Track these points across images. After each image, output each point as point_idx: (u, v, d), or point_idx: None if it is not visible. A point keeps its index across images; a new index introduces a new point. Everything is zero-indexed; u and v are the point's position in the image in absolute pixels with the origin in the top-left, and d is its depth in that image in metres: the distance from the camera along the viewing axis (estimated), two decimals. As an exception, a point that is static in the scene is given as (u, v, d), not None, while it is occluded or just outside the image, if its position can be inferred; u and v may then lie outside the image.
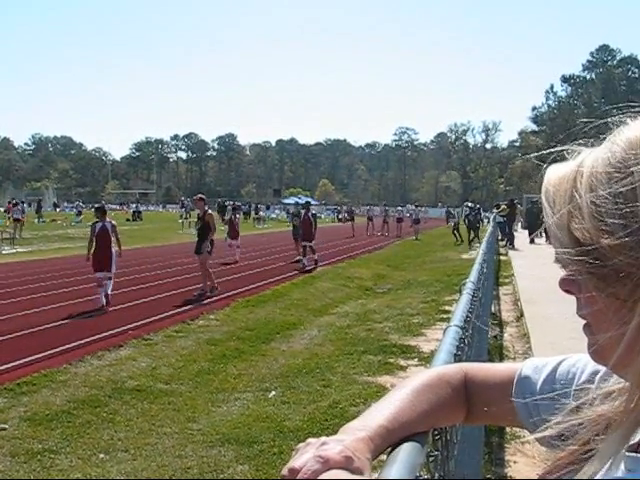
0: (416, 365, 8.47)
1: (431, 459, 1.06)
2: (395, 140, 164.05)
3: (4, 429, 6.12)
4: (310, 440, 0.91)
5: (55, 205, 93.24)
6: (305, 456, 0.87)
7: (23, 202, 44.43)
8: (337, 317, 12.10)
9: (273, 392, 7.33)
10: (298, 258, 21.32)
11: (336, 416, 6.36)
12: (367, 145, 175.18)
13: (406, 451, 0.95)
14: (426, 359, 8.71)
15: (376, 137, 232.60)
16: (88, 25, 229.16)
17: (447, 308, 12.56)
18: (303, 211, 22.15)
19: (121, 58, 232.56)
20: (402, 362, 8.63)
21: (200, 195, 15.42)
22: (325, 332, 10.73)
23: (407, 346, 9.52)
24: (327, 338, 10.26)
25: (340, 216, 62.43)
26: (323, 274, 18.61)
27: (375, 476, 0.89)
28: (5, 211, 40.46)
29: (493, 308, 11.10)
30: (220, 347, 9.49)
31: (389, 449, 0.96)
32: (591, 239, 0.74)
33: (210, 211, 15.01)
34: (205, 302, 13.44)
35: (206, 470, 5.15)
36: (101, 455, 5.51)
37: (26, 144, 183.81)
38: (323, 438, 0.90)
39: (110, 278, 13.09)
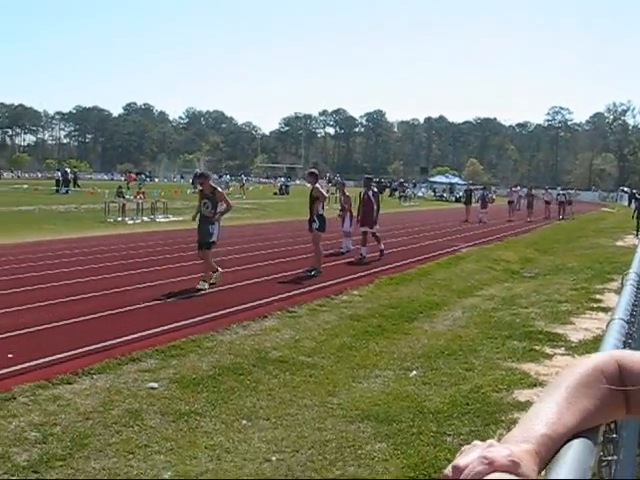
0: (563, 354, 8.14)
1: (603, 463, 0.99)
2: (548, 120, 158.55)
3: (154, 388, 6.41)
4: (476, 442, 0.87)
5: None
6: (470, 456, 0.83)
7: (143, 173, 46.56)
8: (482, 300, 11.84)
9: (414, 372, 7.27)
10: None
11: (477, 401, 6.22)
12: (518, 125, 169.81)
13: (576, 450, 0.89)
14: (574, 349, 8.37)
15: (527, 116, 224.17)
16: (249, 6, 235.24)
17: (598, 297, 12.01)
18: (363, 189, 17.77)
19: (271, 35, 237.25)
20: (548, 350, 8.32)
21: (311, 170, 15.25)
22: (469, 314, 10.52)
23: (554, 334, 9.17)
24: (471, 320, 10.06)
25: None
26: (468, 255, 18.29)
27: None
28: (126, 181, 42.51)
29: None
30: (363, 323, 9.52)
31: None
32: None
33: (318, 185, 14.46)
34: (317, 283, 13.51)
35: (344, 445, 5.17)
36: (243, 421, 5.66)
37: (180, 118, 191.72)
38: (490, 441, 0.85)
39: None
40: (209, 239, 12.15)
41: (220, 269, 12.41)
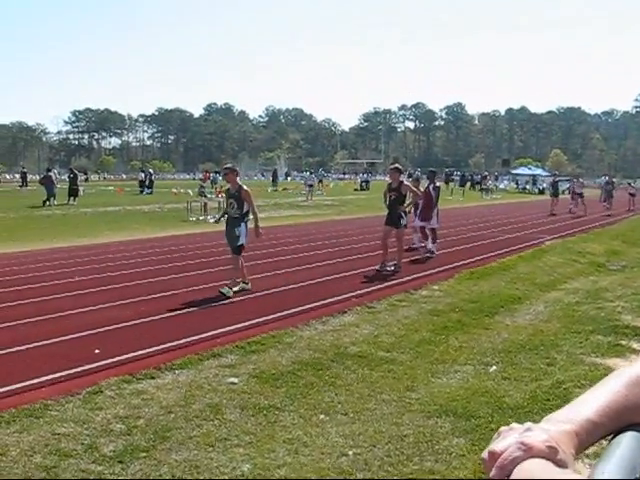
0: (651, 349, 7.88)
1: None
2: (636, 106, 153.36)
3: (234, 383, 6.52)
4: (514, 425, 0.85)
5: (286, 174, 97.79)
6: (507, 440, 0.81)
7: (218, 172, 47.06)
8: (565, 293, 11.56)
9: (494, 367, 7.16)
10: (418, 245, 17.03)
11: (559, 397, 6.08)
12: (604, 113, 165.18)
13: (627, 445, 0.85)
14: (663, 343, 8.09)
15: (614, 104, 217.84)
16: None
17: (690, 291, 11.56)
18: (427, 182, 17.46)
19: (350, 32, 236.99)
20: (635, 345, 8.06)
21: (396, 165, 14.55)
22: (552, 308, 10.29)
23: (642, 328, 8.88)
24: (553, 315, 9.84)
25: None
26: (552, 248, 17.88)
27: (586, 472, 0.81)
28: (201, 180, 43.16)
29: None
30: (442, 318, 9.43)
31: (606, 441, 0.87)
32: None
33: (405, 181, 14.06)
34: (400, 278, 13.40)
35: (421, 440, 5.15)
36: (321, 416, 5.70)
37: (260, 116, 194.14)
38: (528, 424, 0.84)
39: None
40: (236, 243, 11.04)
41: (247, 282, 11.34)
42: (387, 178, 16.10)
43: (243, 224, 11.09)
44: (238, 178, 11.55)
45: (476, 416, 5.64)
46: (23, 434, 5.24)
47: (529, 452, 0.78)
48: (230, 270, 11.20)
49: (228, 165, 11.93)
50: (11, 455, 4.87)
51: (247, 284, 11.30)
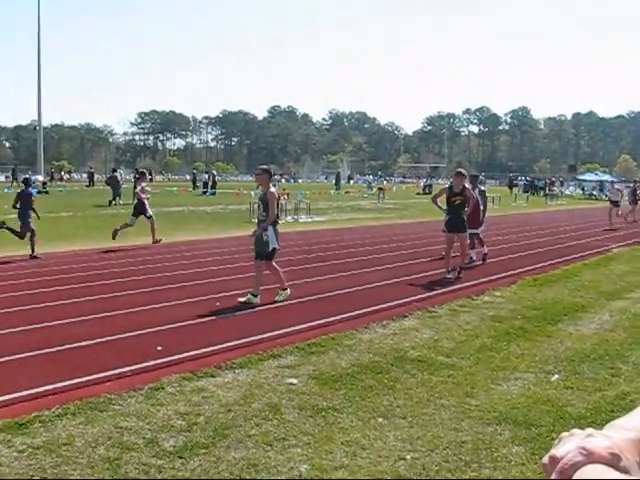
0: None
1: None
2: None
3: (293, 384, 6.57)
4: (575, 430, 0.84)
5: (349, 177, 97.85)
6: (568, 445, 0.81)
7: (285, 174, 47.52)
8: (632, 302, 11.27)
9: (556, 375, 7.04)
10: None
11: (623, 408, 5.93)
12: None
13: None
14: None
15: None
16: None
17: None
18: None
19: (414, 34, 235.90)
20: None
21: (460, 170, 14.32)
22: (617, 317, 10.05)
23: None
24: (619, 324, 9.61)
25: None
26: (619, 256, 17.48)
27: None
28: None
29: None
30: (504, 325, 9.31)
31: None
32: None
33: (468, 186, 13.79)
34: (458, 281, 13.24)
35: (480, 447, 5.09)
36: (380, 419, 5.69)
37: (323, 119, 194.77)
38: (589, 430, 0.83)
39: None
40: (267, 248, 10.58)
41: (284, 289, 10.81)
42: (450, 182, 15.68)
43: (271, 228, 10.62)
44: (271, 182, 11.08)
45: (537, 425, 5.55)
46: (88, 426, 5.38)
47: (590, 457, 0.77)
48: (254, 277, 10.71)
49: (262, 166, 11.43)
50: (76, 445, 5.01)
51: (285, 290, 10.82)
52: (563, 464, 0.78)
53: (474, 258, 15.66)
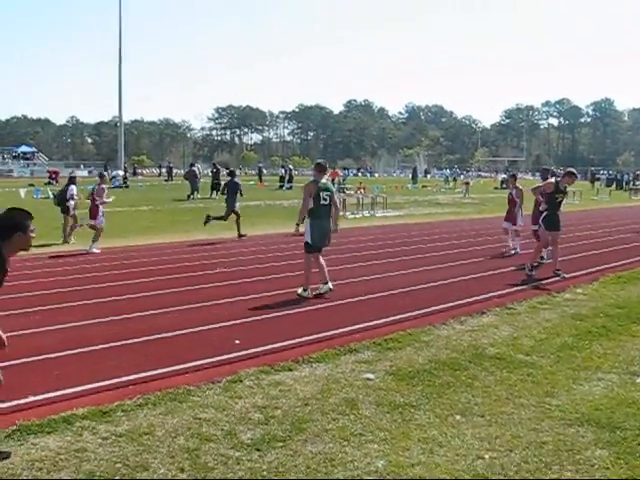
0: None
1: None
2: None
3: (370, 379, 6.55)
4: None
5: (426, 171, 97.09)
6: None
7: (362, 168, 48.14)
8: None
9: (642, 376, 6.82)
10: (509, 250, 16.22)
11: None
12: None
13: None
14: None
15: None
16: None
17: None
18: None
19: (490, 27, 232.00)
20: None
21: (572, 170, 13.64)
22: None
23: None
24: None
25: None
26: None
27: None
28: (330, 177, 43.88)
29: None
30: (586, 323, 9.07)
31: None
32: None
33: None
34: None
35: (561, 448, 4.97)
36: (457, 416, 5.62)
37: (400, 113, 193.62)
38: None
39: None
40: (305, 240, 10.67)
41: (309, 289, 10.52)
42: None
43: (307, 221, 10.60)
44: (320, 175, 10.72)
45: (622, 428, 5.38)
46: (168, 416, 5.49)
47: None
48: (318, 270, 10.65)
49: (319, 160, 11.37)
50: (157, 435, 5.12)
51: (306, 291, 10.49)
52: None
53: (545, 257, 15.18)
